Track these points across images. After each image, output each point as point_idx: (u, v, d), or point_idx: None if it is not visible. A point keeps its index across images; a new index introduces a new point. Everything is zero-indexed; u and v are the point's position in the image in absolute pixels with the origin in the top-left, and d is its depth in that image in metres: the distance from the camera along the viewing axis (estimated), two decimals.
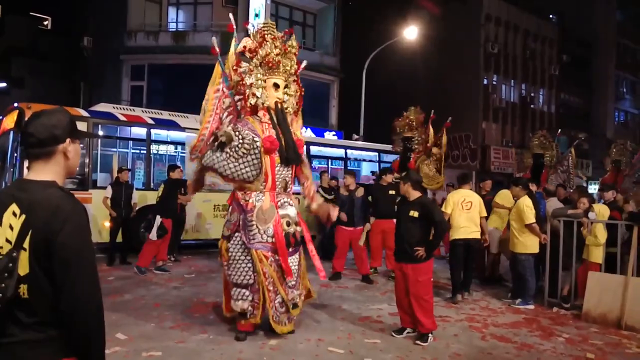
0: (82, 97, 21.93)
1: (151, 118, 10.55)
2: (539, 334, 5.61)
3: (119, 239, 9.02)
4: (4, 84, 26.24)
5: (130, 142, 10.87)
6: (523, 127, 32.83)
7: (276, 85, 5.08)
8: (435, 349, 4.95)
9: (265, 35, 4.99)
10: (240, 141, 4.79)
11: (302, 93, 5.47)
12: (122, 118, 10.12)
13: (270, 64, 4.97)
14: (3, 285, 1.51)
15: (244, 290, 4.90)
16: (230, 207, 5.22)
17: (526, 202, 6.81)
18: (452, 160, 29.92)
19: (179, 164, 9.75)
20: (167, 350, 4.59)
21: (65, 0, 26.26)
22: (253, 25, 5.32)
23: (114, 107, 10.66)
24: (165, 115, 10.96)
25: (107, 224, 8.99)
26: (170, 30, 20.39)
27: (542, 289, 7.06)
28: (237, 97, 5.20)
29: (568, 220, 6.79)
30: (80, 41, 22.35)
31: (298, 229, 5.06)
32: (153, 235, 8.06)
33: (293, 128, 5.24)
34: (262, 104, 5.01)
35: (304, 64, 5.72)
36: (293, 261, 4.99)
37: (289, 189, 5.21)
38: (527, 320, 6.19)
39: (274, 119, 5.02)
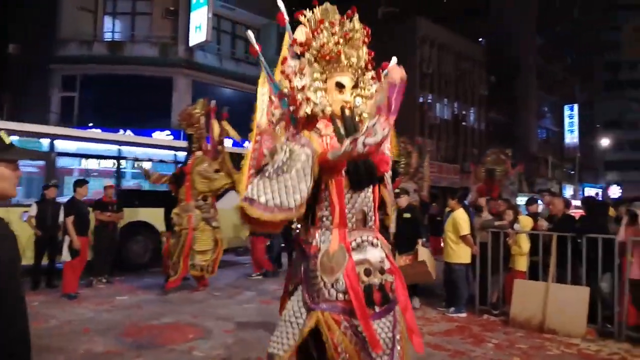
0: (5, 108, 20.72)
1: None
2: (471, 340, 5.86)
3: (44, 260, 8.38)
4: None
5: None
6: (456, 143, 34.53)
7: (340, 85, 3.44)
8: None
9: (324, 21, 3.49)
10: (287, 155, 3.19)
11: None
12: None
13: (329, 57, 3.42)
14: None
15: None
16: (295, 254, 3.70)
17: (462, 215, 7.21)
18: None
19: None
20: None
21: None
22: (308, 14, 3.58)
23: None
24: None
25: None
26: (106, 40, 19.74)
27: (473, 297, 7.36)
28: (291, 107, 3.53)
29: (495, 231, 7.19)
30: (5, 48, 21.15)
31: (388, 278, 3.21)
32: (66, 256, 7.67)
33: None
34: (322, 111, 3.40)
35: None
36: (382, 326, 3.08)
37: (370, 223, 3.33)
38: (459, 328, 6.44)
39: (340, 129, 3.39)
